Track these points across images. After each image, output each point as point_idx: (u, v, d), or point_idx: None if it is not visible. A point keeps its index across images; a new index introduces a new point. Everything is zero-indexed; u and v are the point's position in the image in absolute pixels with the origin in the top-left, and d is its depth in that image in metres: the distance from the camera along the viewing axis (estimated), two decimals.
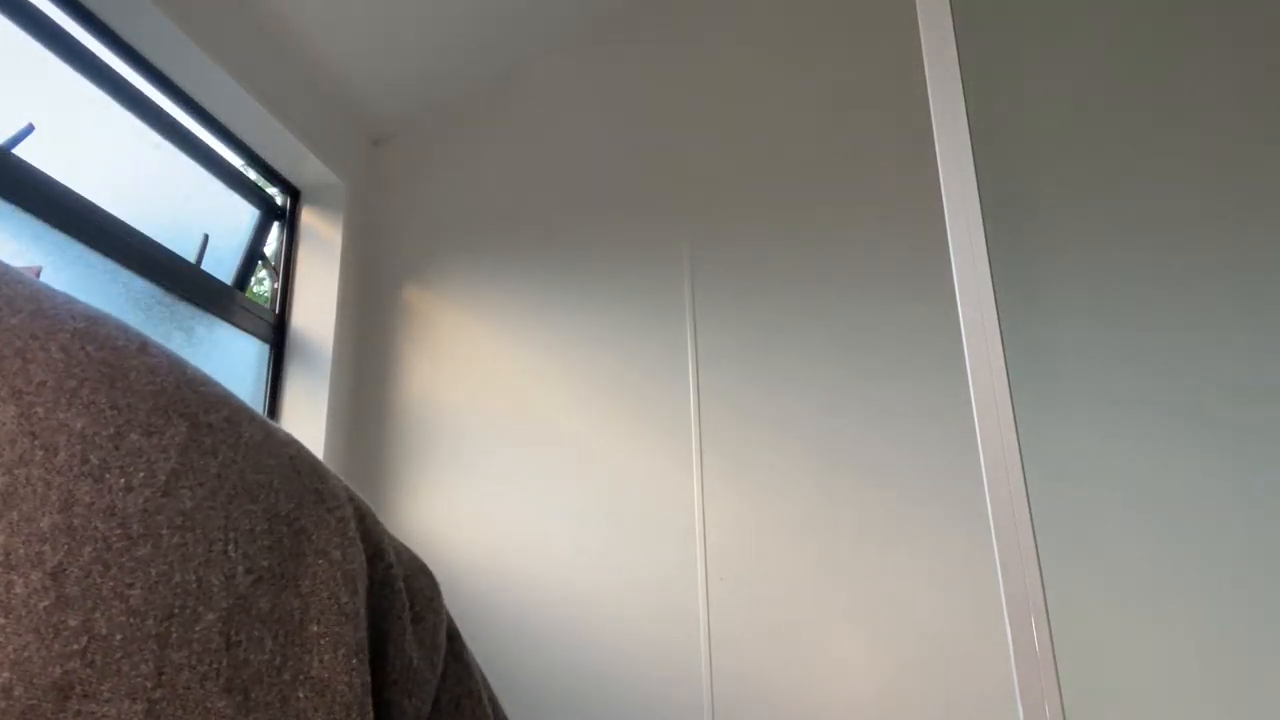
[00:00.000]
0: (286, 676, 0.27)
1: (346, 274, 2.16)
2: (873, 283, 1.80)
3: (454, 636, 0.39)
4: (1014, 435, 1.12)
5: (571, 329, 2.04)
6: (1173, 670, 1.25)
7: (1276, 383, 1.23)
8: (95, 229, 1.55)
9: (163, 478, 0.26)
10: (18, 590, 0.22)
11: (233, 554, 0.27)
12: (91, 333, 0.29)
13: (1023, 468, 1.11)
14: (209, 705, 0.25)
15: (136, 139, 1.75)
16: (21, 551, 0.23)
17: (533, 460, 1.96)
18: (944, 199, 1.23)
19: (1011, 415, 1.13)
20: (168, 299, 1.75)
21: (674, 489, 1.84)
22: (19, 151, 1.41)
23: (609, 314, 2.02)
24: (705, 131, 2.06)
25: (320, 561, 0.29)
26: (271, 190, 2.14)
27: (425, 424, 2.07)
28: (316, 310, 2.11)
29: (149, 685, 0.23)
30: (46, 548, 0.23)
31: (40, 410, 0.25)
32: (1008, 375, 1.14)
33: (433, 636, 0.36)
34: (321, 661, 0.28)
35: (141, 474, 0.26)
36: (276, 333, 2.08)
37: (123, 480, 0.25)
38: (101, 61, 1.61)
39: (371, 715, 0.30)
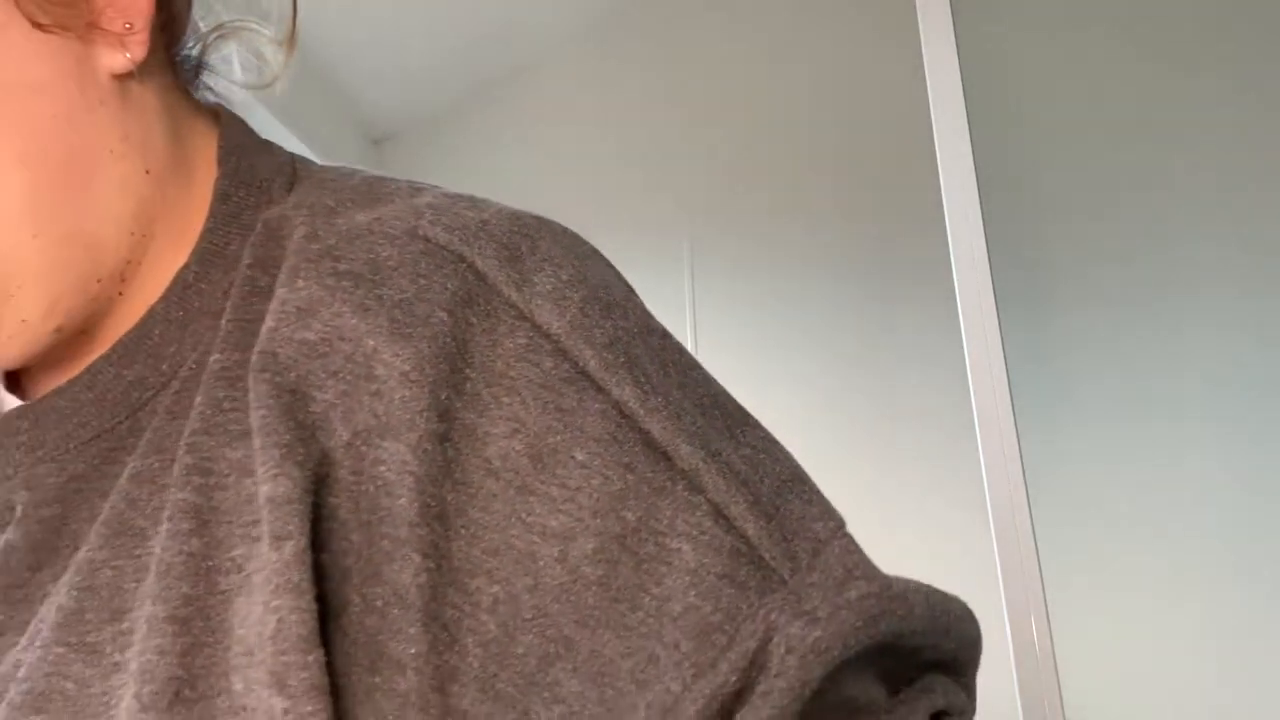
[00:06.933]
0: None
1: None
2: (873, 282, 1.80)
3: None
4: (1014, 435, 1.12)
5: None
6: (1173, 670, 1.25)
7: (1278, 380, 1.23)
8: None
9: None
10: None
11: None
12: None
13: (1023, 468, 1.11)
14: None
15: None
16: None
17: None
18: (944, 199, 1.23)
19: (1011, 415, 1.13)
20: None
21: None
22: None
23: None
24: (705, 130, 2.06)
25: None
26: None
27: None
28: None
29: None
30: None
31: None
32: (1008, 375, 1.14)
33: None
34: None
35: None
36: None
37: None
38: None
39: None
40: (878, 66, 1.89)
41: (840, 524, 0.31)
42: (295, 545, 0.28)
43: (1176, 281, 1.34)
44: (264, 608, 0.27)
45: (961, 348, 1.17)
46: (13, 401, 0.39)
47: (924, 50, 1.29)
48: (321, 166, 0.41)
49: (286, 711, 0.26)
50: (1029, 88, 1.52)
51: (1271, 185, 1.28)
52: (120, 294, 0.36)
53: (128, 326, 0.36)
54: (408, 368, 0.30)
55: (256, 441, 0.30)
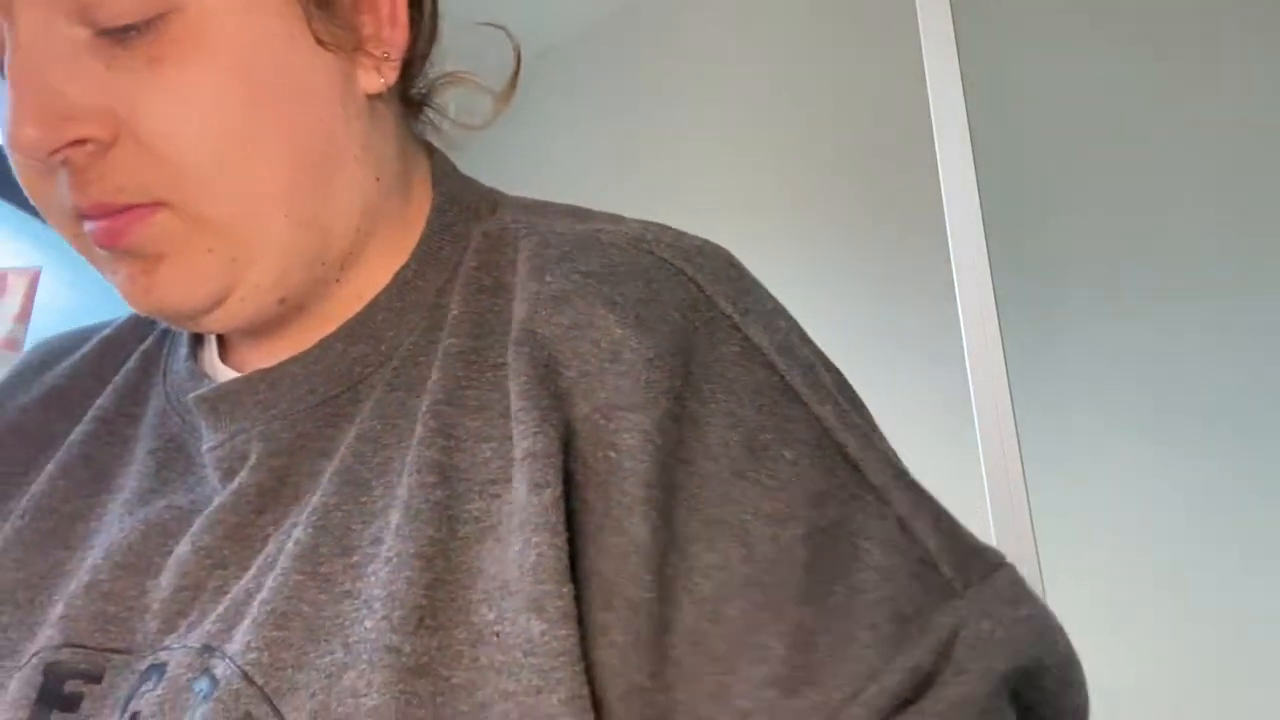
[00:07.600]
0: None
1: None
2: (873, 282, 1.80)
3: None
4: (1014, 435, 1.12)
5: None
6: (1173, 670, 1.25)
7: (1277, 380, 1.23)
8: None
9: None
10: None
11: None
12: None
13: (1023, 468, 1.11)
14: None
15: None
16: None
17: None
18: (944, 199, 1.23)
19: (1011, 415, 1.13)
20: None
21: None
22: None
23: None
24: (705, 129, 2.06)
25: None
26: None
27: None
28: None
29: None
30: None
31: None
32: (1008, 375, 1.14)
33: None
34: None
35: None
36: None
37: None
38: None
39: None
40: (878, 68, 1.89)
41: (1003, 555, 0.36)
42: (553, 492, 0.32)
43: (1176, 282, 1.34)
44: (524, 544, 0.32)
45: (961, 348, 1.18)
46: (223, 368, 0.45)
47: (924, 50, 1.29)
48: (517, 196, 0.49)
49: (544, 633, 0.30)
50: (1029, 88, 1.52)
51: (1272, 186, 1.28)
52: (338, 280, 0.42)
53: (341, 310, 0.42)
54: (651, 354, 0.35)
55: (515, 405, 0.35)
